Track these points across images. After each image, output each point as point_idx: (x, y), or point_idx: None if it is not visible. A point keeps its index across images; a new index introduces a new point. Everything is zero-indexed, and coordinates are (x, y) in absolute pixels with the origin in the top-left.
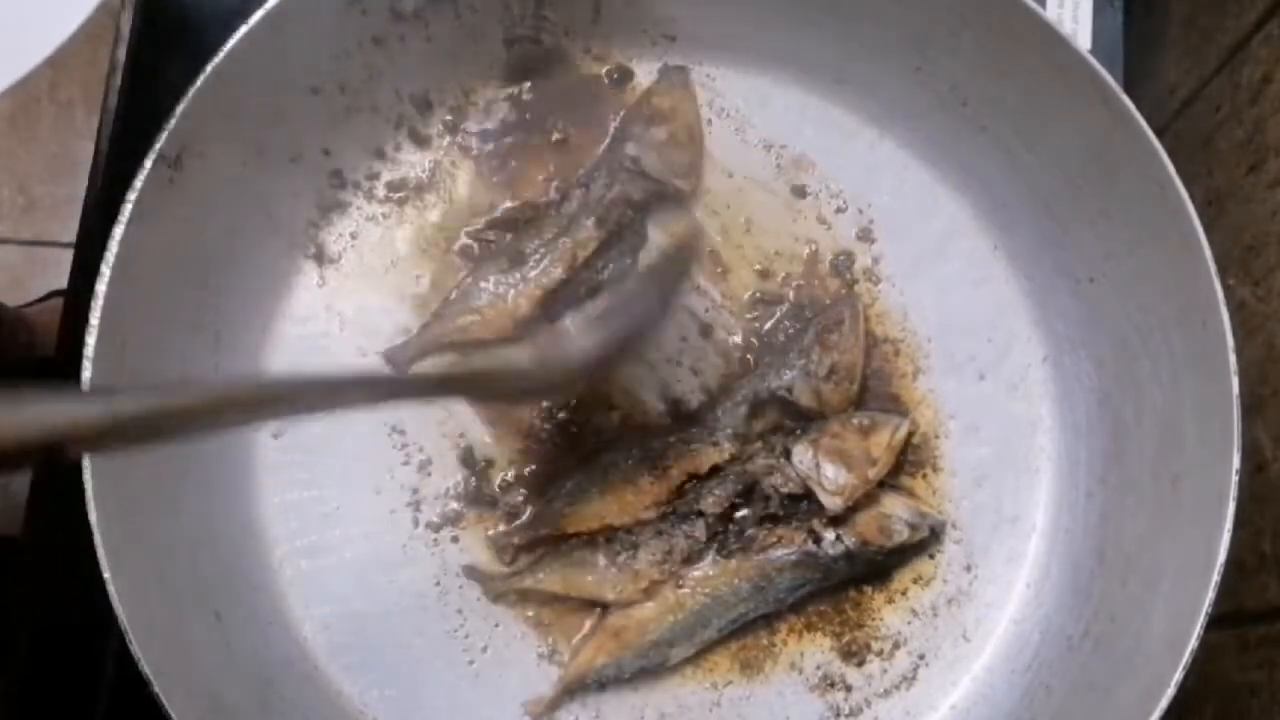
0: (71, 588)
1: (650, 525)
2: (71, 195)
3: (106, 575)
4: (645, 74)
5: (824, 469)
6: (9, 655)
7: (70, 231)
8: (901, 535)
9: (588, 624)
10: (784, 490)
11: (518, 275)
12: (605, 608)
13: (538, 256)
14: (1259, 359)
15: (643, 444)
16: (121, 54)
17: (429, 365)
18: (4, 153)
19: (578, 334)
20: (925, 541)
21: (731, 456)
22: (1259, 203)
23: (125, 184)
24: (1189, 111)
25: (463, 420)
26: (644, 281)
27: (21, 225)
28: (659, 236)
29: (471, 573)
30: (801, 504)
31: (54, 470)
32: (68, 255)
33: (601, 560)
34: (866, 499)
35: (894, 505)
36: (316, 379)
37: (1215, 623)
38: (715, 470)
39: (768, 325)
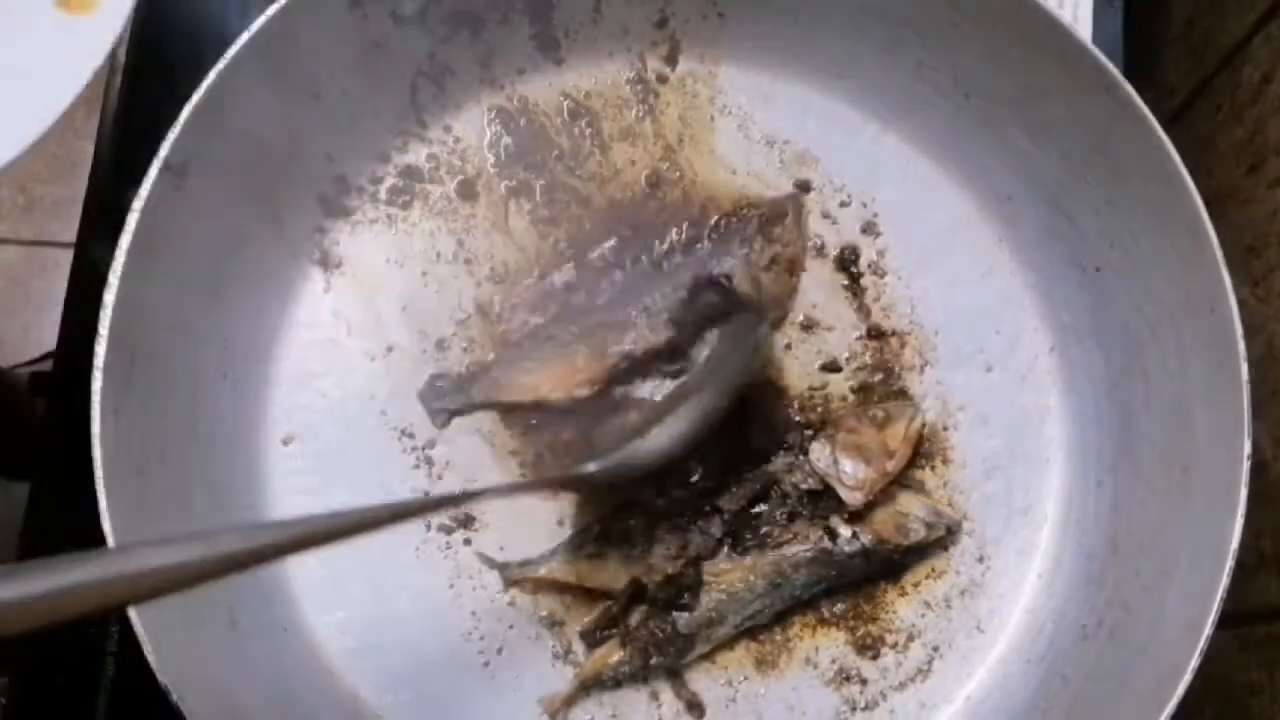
0: None
1: (666, 520)
2: (71, 195)
3: None
4: (650, 72)
5: (842, 465)
6: (9, 655)
7: (70, 231)
8: (918, 534)
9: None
10: (803, 487)
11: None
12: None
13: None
14: (1259, 359)
15: (581, 322)
16: (121, 55)
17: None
18: None
19: (640, 432)
20: (941, 540)
21: (668, 341)
22: (1259, 203)
23: (125, 185)
24: (1189, 111)
25: (474, 420)
26: (711, 387)
27: (21, 225)
28: (735, 348)
29: (485, 560)
30: (820, 500)
31: (54, 471)
32: (68, 255)
33: (616, 553)
34: (884, 497)
35: (911, 504)
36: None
37: (1215, 622)
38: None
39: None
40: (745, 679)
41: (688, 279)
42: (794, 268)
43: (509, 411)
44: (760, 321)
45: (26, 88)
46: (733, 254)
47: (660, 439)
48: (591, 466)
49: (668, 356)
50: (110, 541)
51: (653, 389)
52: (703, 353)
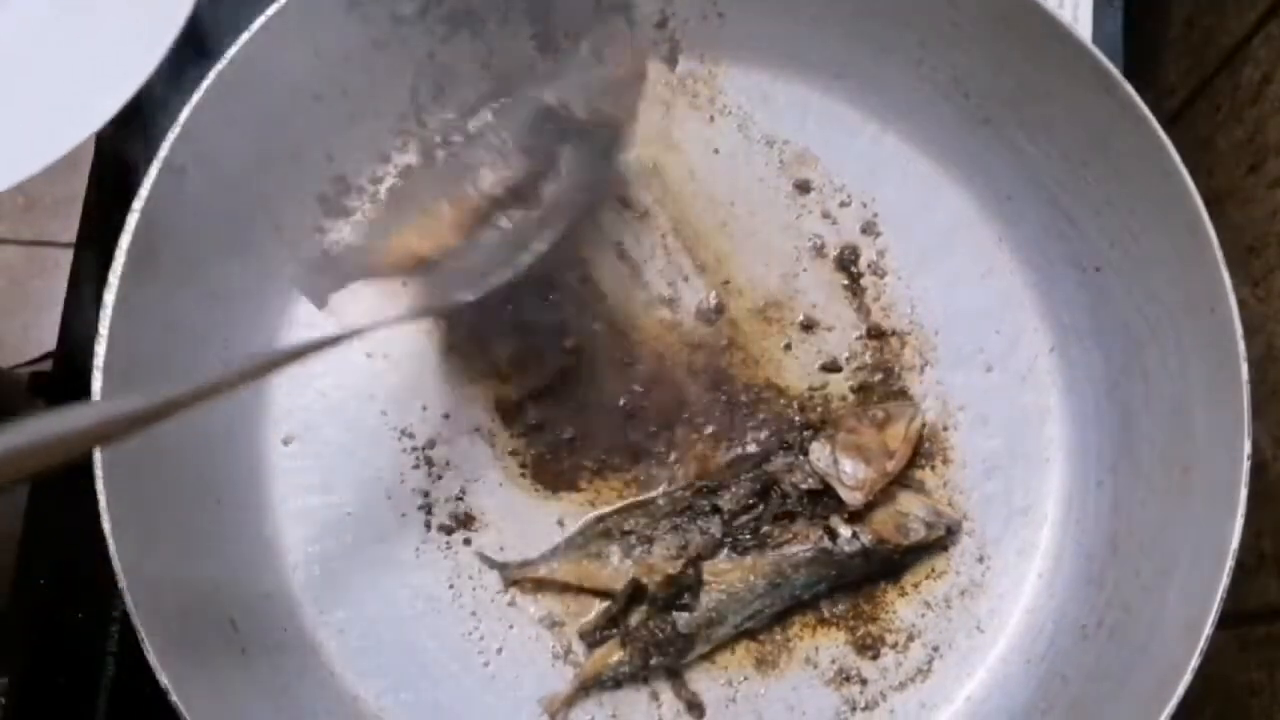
0: (72, 588)
1: (666, 520)
2: (71, 195)
3: (123, 585)
4: (651, 72)
5: (842, 465)
6: (9, 655)
7: (70, 231)
8: (918, 534)
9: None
10: (803, 487)
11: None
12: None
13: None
14: (1259, 359)
15: (428, 174)
16: None
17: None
18: None
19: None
20: (941, 540)
21: (525, 170)
22: (1259, 203)
23: (125, 184)
24: (1189, 111)
25: (474, 419)
26: (567, 206)
27: (21, 225)
28: (589, 166)
29: (485, 560)
30: (820, 500)
31: (54, 470)
32: (68, 255)
33: (616, 553)
34: (884, 496)
35: (911, 504)
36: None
37: (1215, 622)
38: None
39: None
40: (745, 679)
41: (528, 112)
42: (635, 82)
43: (387, 276)
44: (613, 137)
45: (109, 56)
46: (568, 81)
47: (525, 259)
48: (468, 294)
49: (529, 184)
50: (110, 543)
51: (520, 217)
52: (560, 174)
